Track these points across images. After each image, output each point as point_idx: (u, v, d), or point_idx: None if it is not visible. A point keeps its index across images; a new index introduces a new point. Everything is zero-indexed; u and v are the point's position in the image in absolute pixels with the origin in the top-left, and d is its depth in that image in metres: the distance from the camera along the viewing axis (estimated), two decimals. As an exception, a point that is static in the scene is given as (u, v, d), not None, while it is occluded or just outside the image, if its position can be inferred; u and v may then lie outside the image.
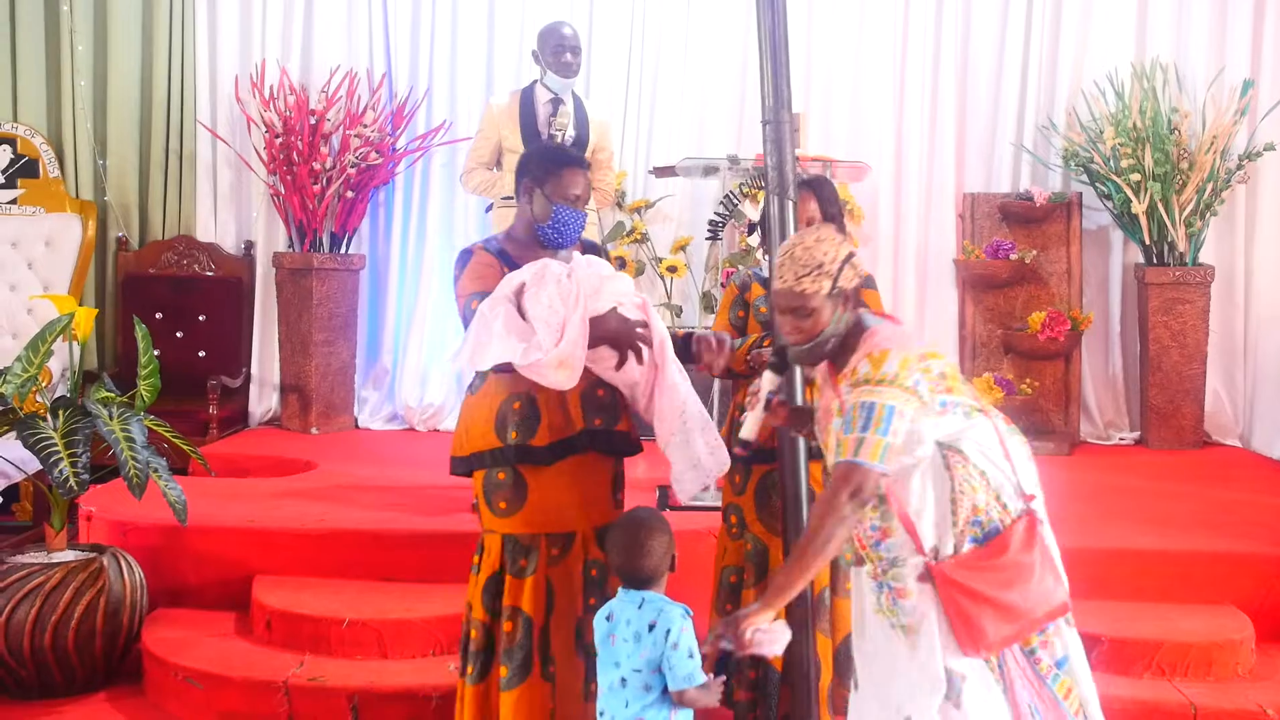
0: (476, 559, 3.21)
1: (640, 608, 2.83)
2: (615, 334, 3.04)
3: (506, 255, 3.19)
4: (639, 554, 2.85)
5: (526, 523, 3.11)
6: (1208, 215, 6.33)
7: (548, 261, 3.05)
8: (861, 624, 2.77)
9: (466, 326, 3.07)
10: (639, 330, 3.07)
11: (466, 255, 3.21)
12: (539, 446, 3.08)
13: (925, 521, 2.63)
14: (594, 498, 3.18)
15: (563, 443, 3.09)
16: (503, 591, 3.13)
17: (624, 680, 2.81)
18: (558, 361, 2.92)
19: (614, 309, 3.06)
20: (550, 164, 3.22)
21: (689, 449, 3.17)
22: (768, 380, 2.84)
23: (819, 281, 2.61)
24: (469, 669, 3.16)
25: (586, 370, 3.03)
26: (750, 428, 2.82)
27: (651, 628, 2.79)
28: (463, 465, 3.19)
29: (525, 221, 3.24)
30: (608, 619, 2.88)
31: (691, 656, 2.77)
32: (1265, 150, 6.25)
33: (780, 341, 2.83)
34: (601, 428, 3.14)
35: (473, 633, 3.16)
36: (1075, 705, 2.66)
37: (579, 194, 3.19)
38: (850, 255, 2.68)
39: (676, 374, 3.16)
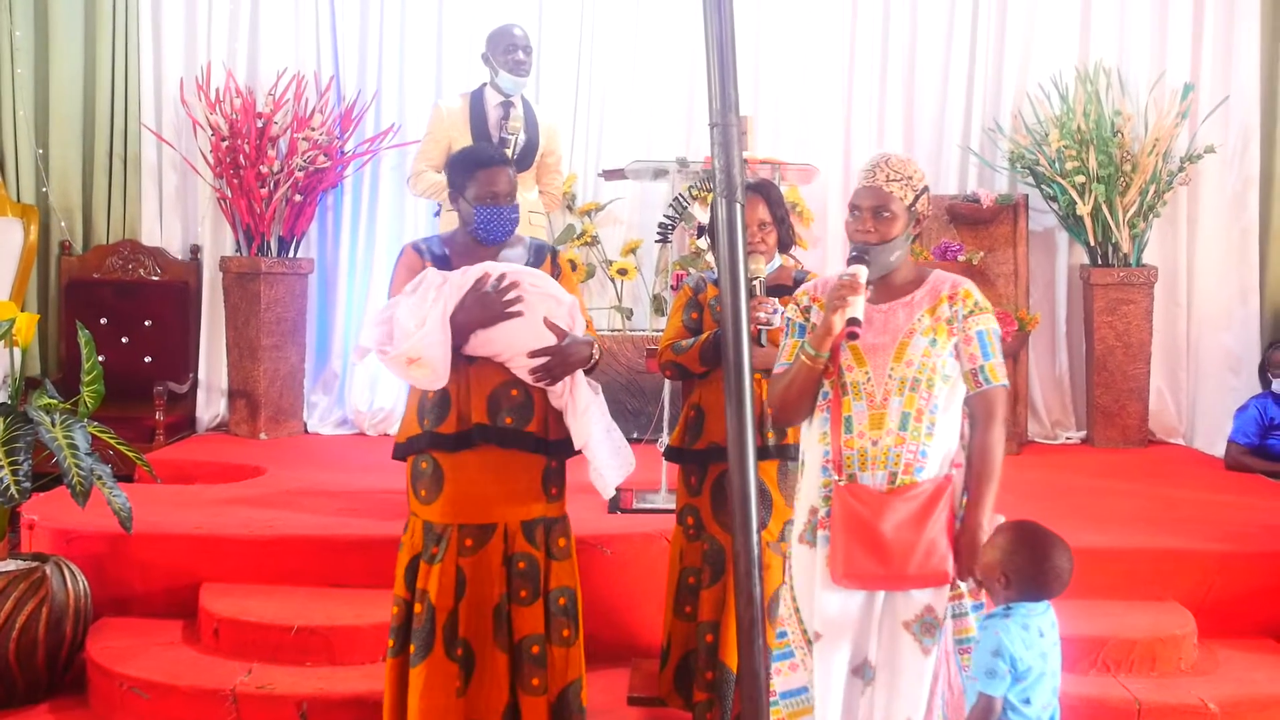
0: (403, 538, 3.34)
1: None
2: (478, 317, 3.16)
3: (444, 255, 3.35)
4: (1043, 565, 2.84)
5: (441, 513, 3.24)
6: (1150, 217, 6.42)
7: (427, 271, 3.22)
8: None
9: None
10: (504, 301, 3.17)
11: (400, 253, 3.41)
12: (446, 434, 3.22)
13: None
14: (518, 492, 3.27)
15: (465, 434, 3.22)
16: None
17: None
18: (406, 359, 3.09)
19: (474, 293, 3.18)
20: (467, 168, 3.34)
21: (608, 440, 3.34)
22: (863, 270, 2.89)
23: (905, 190, 2.83)
24: (390, 642, 3.29)
25: (502, 368, 3.21)
26: (858, 308, 2.85)
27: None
28: (398, 451, 3.34)
29: (461, 225, 3.41)
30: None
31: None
32: (1206, 153, 6.35)
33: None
34: (511, 426, 3.22)
35: (394, 609, 3.30)
36: None
37: (499, 190, 3.30)
38: (927, 190, 2.90)
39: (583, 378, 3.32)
